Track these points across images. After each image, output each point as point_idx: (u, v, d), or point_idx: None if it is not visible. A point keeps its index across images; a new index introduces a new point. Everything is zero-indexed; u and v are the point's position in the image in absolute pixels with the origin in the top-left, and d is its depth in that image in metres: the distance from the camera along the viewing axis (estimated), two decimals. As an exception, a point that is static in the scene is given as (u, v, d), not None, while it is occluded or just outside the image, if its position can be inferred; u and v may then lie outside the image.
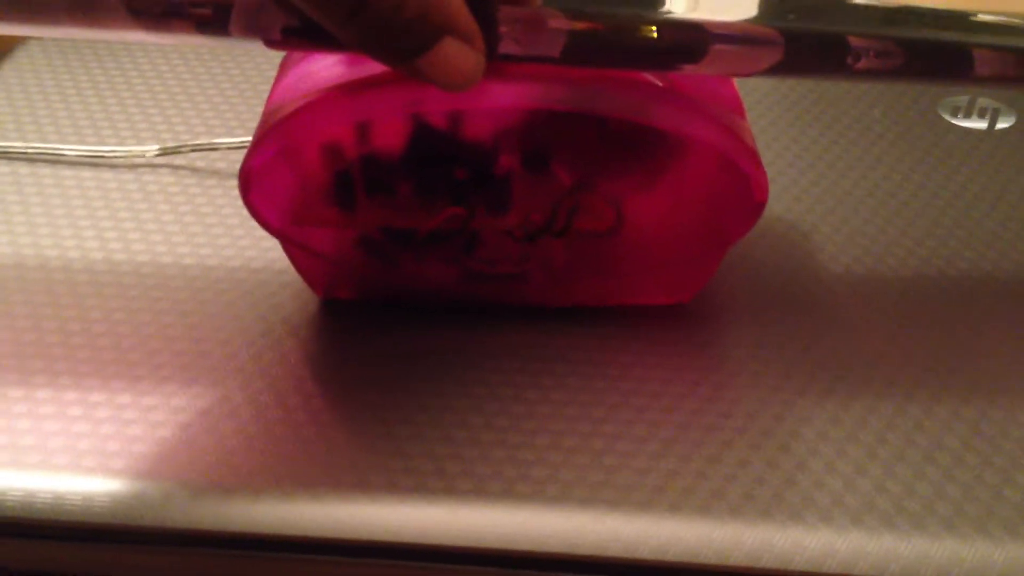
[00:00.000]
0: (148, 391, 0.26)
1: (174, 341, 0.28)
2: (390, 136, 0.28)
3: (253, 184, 0.28)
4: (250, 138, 0.35)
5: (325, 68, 0.29)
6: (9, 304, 0.29)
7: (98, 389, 0.26)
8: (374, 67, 0.27)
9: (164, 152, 0.35)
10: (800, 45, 0.26)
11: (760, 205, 0.28)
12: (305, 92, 0.28)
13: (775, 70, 0.26)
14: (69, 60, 0.41)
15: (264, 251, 0.31)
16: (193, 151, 0.35)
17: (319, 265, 0.30)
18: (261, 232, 0.32)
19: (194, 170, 0.35)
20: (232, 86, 0.39)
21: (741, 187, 0.28)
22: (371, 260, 0.29)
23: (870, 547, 0.23)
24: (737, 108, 0.29)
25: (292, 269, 0.30)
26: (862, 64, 0.27)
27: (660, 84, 0.28)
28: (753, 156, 0.28)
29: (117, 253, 0.31)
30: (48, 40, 0.40)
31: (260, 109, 0.38)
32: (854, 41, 0.27)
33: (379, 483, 0.24)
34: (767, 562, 0.23)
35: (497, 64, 0.26)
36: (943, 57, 0.27)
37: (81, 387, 0.26)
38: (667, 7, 0.26)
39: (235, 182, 0.34)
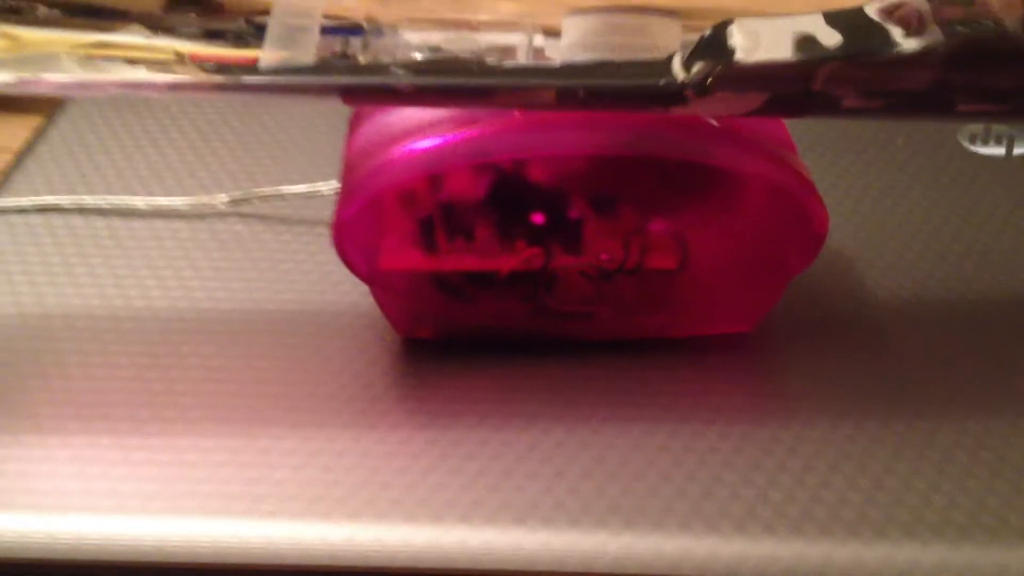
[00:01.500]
0: (256, 434, 0.28)
1: (271, 384, 0.30)
2: (467, 184, 0.30)
3: (344, 234, 0.29)
4: (312, 186, 0.37)
5: (399, 120, 0.30)
6: (109, 354, 0.31)
7: (210, 434, 0.28)
8: (445, 116, 0.29)
9: (233, 202, 0.37)
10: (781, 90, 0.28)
11: (821, 236, 0.30)
12: (383, 144, 0.30)
13: (762, 111, 0.28)
14: (122, 111, 0.42)
15: (343, 294, 0.33)
16: (260, 200, 0.37)
17: (402, 306, 0.31)
18: (338, 276, 0.33)
19: (262, 218, 0.36)
20: (287, 136, 0.41)
21: (802, 219, 0.30)
22: (451, 301, 0.31)
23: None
24: (788, 144, 0.31)
25: (371, 311, 0.31)
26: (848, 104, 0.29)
27: (715, 124, 0.30)
28: (811, 189, 0.30)
29: (202, 301, 0.33)
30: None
31: (317, 157, 0.39)
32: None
33: (480, 516, 0.26)
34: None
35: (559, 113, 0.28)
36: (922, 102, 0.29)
37: (193, 433, 0.28)
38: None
39: (304, 228, 0.36)
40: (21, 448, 0.28)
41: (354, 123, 0.32)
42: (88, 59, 0.28)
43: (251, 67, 0.28)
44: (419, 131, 0.30)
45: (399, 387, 0.30)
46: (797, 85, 0.28)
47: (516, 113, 0.29)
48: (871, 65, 0.28)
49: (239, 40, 0.28)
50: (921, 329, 0.32)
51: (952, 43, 0.27)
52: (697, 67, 0.27)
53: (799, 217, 0.30)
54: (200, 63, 0.28)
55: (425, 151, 0.29)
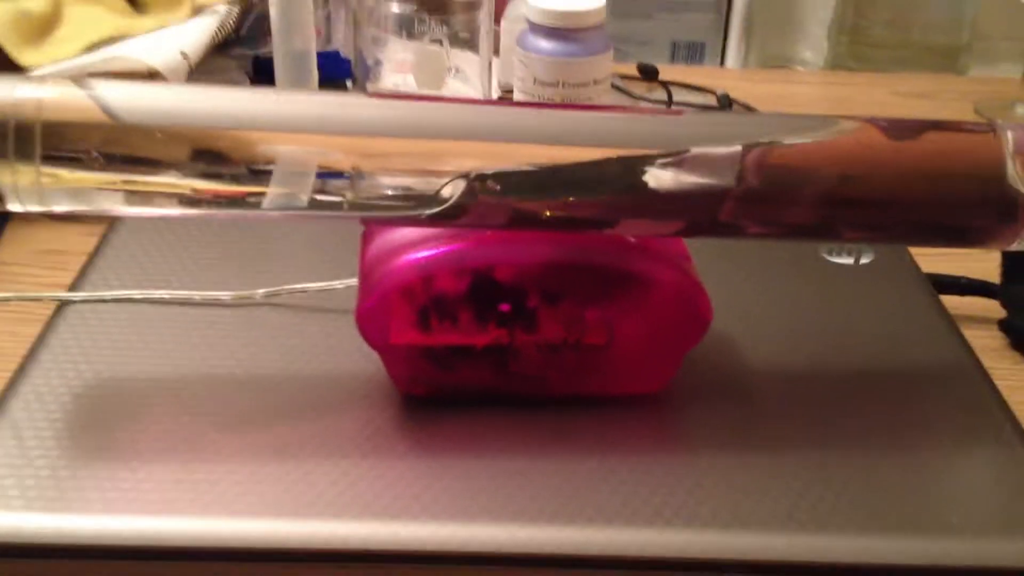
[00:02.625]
0: (291, 459, 0.39)
1: (302, 426, 0.40)
2: (452, 284, 0.41)
3: (365, 318, 0.41)
4: (328, 283, 0.48)
5: (401, 237, 0.42)
6: (173, 409, 0.41)
7: (253, 462, 0.39)
8: (434, 234, 0.41)
9: (267, 295, 0.48)
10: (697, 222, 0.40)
11: (707, 322, 0.42)
12: (391, 254, 0.41)
13: (680, 234, 0.41)
14: (169, 222, 0.53)
15: (355, 363, 0.44)
16: (288, 293, 0.48)
17: (403, 370, 0.42)
18: (351, 350, 0.44)
19: (290, 307, 0.47)
20: (305, 241, 0.52)
21: (694, 310, 0.42)
22: (439, 367, 0.42)
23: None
24: (685, 255, 0.43)
25: (379, 375, 0.42)
26: (750, 232, 0.41)
27: (633, 240, 0.42)
28: (700, 289, 0.41)
29: (244, 370, 0.43)
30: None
31: (328, 261, 0.50)
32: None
33: (460, 513, 0.37)
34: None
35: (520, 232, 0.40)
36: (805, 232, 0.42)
37: (239, 460, 0.39)
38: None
39: (323, 314, 0.47)
40: (121, 469, 0.38)
41: (366, 237, 0.43)
42: (131, 193, 0.39)
43: (246, 199, 0.39)
44: (416, 245, 0.41)
45: (401, 428, 0.41)
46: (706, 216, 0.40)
47: (488, 233, 0.41)
48: (768, 202, 0.41)
49: (239, 180, 0.39)
50: (782, 388, 0.44)
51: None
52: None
53: (692, 308, 0.42)
54: (212, 196, 0.39)
55: (421, 260, 0.41)
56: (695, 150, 0.40)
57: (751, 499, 0.38)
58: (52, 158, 0.38)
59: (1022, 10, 0.77)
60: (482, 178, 0.39)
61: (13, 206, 0.39)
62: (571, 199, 0.40)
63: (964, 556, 0.37)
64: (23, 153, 0.37)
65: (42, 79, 0.39)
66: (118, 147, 0.38)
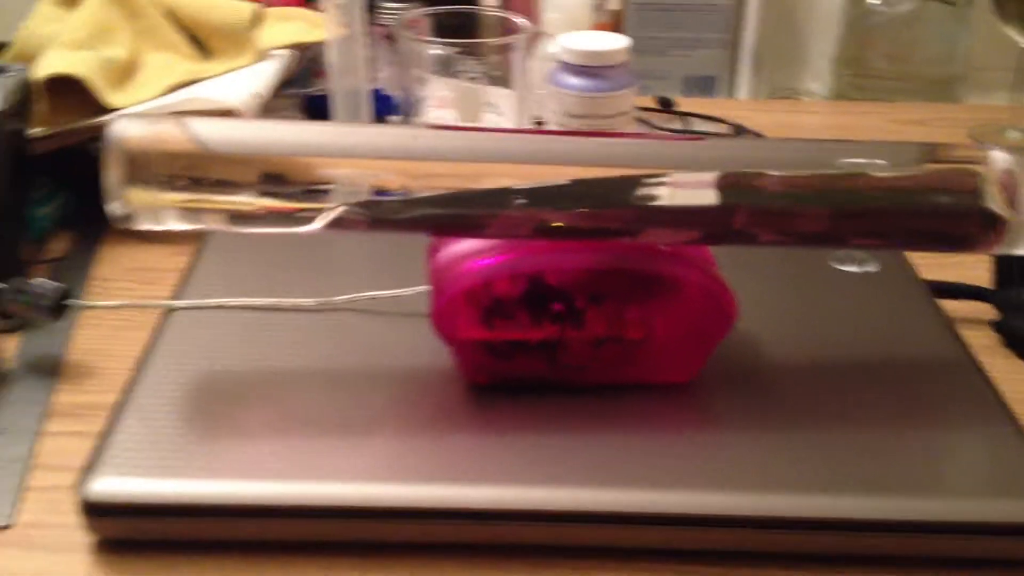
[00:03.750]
0: (378, 433, 0.45)
1: (385, 408, 0.47)
2: (509, 287, 0.48)
3: (438, 317, 0.47)
4: (398, 291, 0.55)
5: (464, 248, 0.49)
6: (273, 398, 0.48)
7: (346, 435, 0.45)
8: (492, 245, 0.47)
9: (346, 301, 0.55)
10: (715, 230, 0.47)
11: (733, 319, 0.48)
12: (456, 262, 0.48)
13: (698, 242, 0.47)
14: (250, 238, 0.60)
15: (425, 357, 0.51)
16: (364, 300, 0.55)
17: (469, 362, 0.49)
18: (421, 346, 0.51)
19: (366, 312, 0.54)
20: (371, 254, 0.59)
21: (720, 308, 0.48)
22: (499, 359, 0.49)
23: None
24: (711, 260, 0.49)
25: (446, 366, 0.49)
26: (763, 240, 0.47)
27: (666, 248, 0.48)
28: (726, 289, 0.48)
29: (338, 364, 0.50)
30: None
31: (396, 270, 0.57)
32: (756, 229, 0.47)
33: (521, 477, 0.43)
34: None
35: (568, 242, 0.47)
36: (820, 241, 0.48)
37: (334, 435, 0.45)
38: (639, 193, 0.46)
39: (397, 318, 0.54)
40: (234, 443, 0.45)
41: (432, 249, 0.50)
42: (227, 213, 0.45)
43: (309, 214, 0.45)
44: (476, 255, 0.48)
45: (468, 411, 0.48)
46: (720, 227, 0.47)
47: (541, 243, 0.47)
48: (779, 213, 0.47)
49: (298, 198, 0.46)
50: (798, 378, 0.51)
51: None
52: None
53: (720, 307, 0.48)
54: (275, 212, 0.45)
55: (483, 266, 0.47)
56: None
57: (771, 467, 0.45)
58: (163, 183, 0.45)
59: (1012, 43, 0.84)
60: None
61: (138, 225, 0.46)
62: (587, 210, 0.46)
63: (959, 513, 0.43)
64: (144, 179, 0.44)
65: (149, 116, 0.46)
66: (201, 171, 0.45)
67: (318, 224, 0.46)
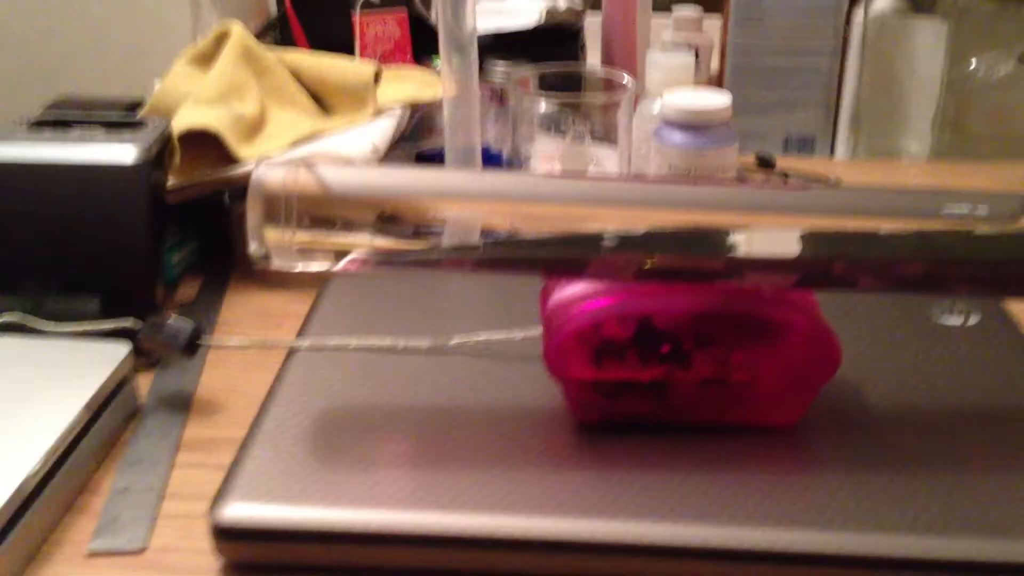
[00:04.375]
0: (512, 468, 0.47)
1: (502, 446, 0.49)
2: (619, 329, 0.50)
3: (551, 357, 0.49)
4: (508, 332, 0.57)
5: (575, 291, 0.51)
6: (387, 431, 0.50)
7: (472, 471, 0.47)
8: (602, 287, 0.49)
9: (457, 344, 0.57)
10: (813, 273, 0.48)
11: (837, 363, 0.49)
12: (568, 305, 0.50)
13: (797, 286, 0.48)
14: (365, 278, 0.63)
15: (537, 397, 0.53)
16: (475, 342, 0.57)
17: (580, 401, 0.51)
18: (531, 387, 0.53)
19: (477, 354, 0.57)
20: (482, 298, 0.62)
21: (826, 352, 0.49)
22: (607, 398, 0.51)
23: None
24: (814, 304, 0.51)
25: (558, 405, 0.51)
26: (862, 285, 0.48)
27: (770, 294, 0.50)
28: (831, 334, 0.49)
29: (453, 403, 0.53)
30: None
31: (504, 314, 0.60)
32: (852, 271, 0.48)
33: (625, 513, 0.45)
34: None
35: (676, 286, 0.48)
36: (929, 284, 0.49)
37: (449, 471, 0.47)
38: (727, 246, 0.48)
39: (507, 361, 0.56)
40: (358, 474, 0.47)
41: (545, 293, 0.52)
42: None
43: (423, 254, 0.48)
44: (588, 297, 0.50)
45: (578, 448, 0.50)
46: (819, 271, 0.48)
47: (650, 287, 0.49)
48: (875, 261, 0.48)
49: (410, 237, 0.48)
50: (899, 424, 0.51)
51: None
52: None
53: (824, 350, 0.49)
54: (389, 252, 0.48)
55: (593, 308, 0.49)
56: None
57: (875, 507, 0.45)
58: (297, 224, 0.48)
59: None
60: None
61: (274, 265, 0.49)
62: (684, 253, 0.48)
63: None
64: (284, 220, 0.48)
65: (287, 163, 0.49)
66: (320, 212, 0.48)
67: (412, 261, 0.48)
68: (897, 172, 0.96)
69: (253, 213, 0.48)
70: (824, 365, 0.50)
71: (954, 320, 0.60)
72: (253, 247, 0.48)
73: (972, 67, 1.01)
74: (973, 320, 0.61)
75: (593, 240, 0.48)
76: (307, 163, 0.50)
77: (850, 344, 0.58)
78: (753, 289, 0.50)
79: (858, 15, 1.01)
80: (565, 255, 0.48)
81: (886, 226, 0.48)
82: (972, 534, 0.44)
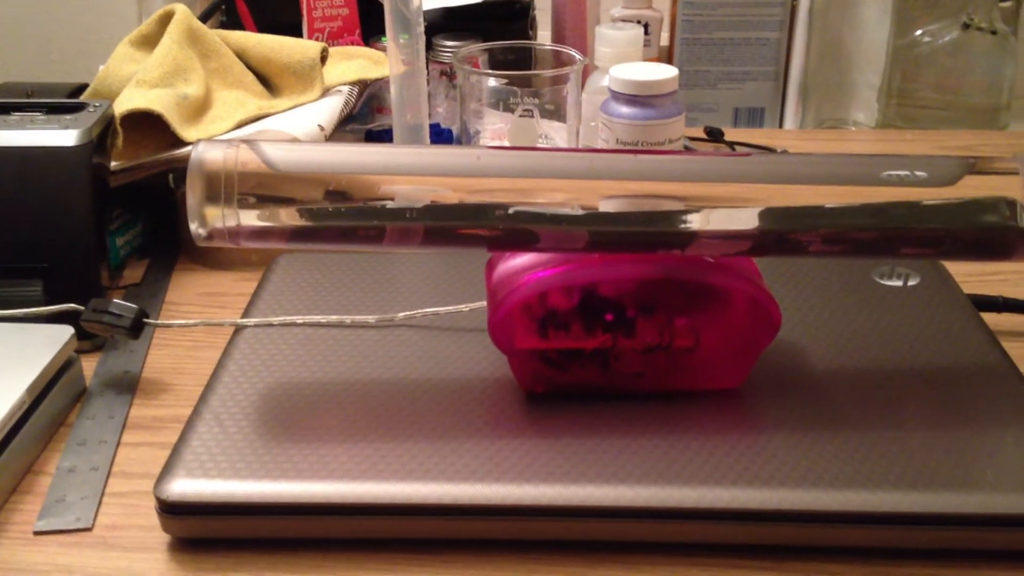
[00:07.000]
0: (437, 436, 0.48)
1: (448, 415, 0.49)
2: (563, 299, 0.50)
3: (495, 328, 0.50)
4: (456, 307, 0.57)
5: (520, 263, 0.51)
6: (336, 405, 0.51)
7: (408, 439, 0.48)
8: (547, 259, 0.50)
9: (406, 317, 0.57)
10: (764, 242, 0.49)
11: (777, 326, 0.50)
12: (512, 276, 0.50)
13: (747, 254, 0.49)
14: (312, 256, 0.63)
15: (484, 368, 0.53)
16: (422, 316, 0.57)
17: (526, 371, 0.51)
18: (479, 359, 0.53)
19: (426, 328, 0.57)
20: (428, 273, 0.62)
21: (766, 316, 0.50)
22: (553, 367, 0.51)
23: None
24: (756, 271, 0.51)
25: (505, 375, 0.52)
26: (811, 251, 0.49)
27: (713, 260, 0.50)
28: (771, 299, 0.50)
29: (401, 376, 0.53)
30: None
31: (451, 288, 0.60)
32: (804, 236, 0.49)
33: (568, 477, 0.45)
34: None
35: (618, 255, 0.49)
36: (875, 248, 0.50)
37: (394, 439, 0.48)
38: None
39: (455, 333, 0.56)
40: (304, 447, 0.47)
41: (491, 264, 0.53)
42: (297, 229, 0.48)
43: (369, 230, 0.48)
44: (532, 268, 0.50)
45: (525, 417, 0.50)
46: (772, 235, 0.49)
47: (593, 257, 0.50)
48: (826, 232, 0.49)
49: (364, 215, 0.48)
50: (841, 383, 0.52)
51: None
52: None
53: (764, 315, 0.50)
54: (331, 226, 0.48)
55: (537, 279, 0.50)
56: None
57: (817, 465, 0.46)
58: (238, 202, 0.48)
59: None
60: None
61: (215, 243, 0.49)
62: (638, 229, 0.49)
63: (997, 506, 0.44)
64: (225, 198, 0.47)
65: (226, 141, 0.49)
66: (268, 190, 0.48)
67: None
68: (845, 141, 0.97)
69: (193, 192, 0.48)
70: (764, 329, 0.51)
71: (895, 282, 0.61)
72: (193, 227, 0.48)
73: (918, 35, 1.02)
74: (913, 281, 0.61)
75: (542, 212, 0.48)
76: (249, 141, 0.49)
77: (793, 307, 0.58)
78: (695, 257, 0.50)
79: (804, -13, 1.02)
80: (513, 227, 0.48)
81: (829, 191, 0.49)
82: (910, 487, 0.45)
